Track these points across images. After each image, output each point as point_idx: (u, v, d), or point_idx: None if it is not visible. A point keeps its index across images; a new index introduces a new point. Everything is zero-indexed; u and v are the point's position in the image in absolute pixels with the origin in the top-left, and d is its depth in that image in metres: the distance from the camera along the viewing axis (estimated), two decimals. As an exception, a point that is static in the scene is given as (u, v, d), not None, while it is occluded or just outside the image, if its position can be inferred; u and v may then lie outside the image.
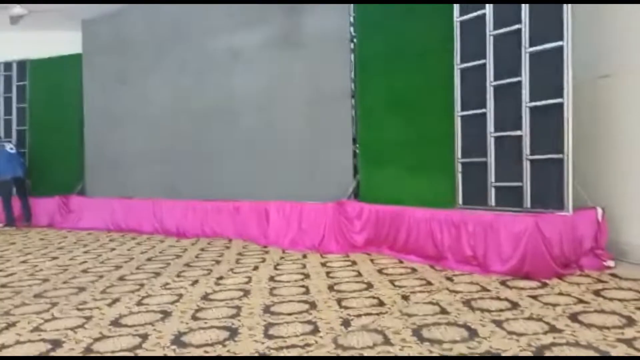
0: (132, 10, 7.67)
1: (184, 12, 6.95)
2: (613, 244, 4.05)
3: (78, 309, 3.19)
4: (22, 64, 8.63)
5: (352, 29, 5.33)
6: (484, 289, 3.34)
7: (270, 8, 6.00)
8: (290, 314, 2.92)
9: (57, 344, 2.56)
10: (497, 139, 4.02)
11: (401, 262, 4.35)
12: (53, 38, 8.75)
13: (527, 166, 3.82)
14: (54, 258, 5.13)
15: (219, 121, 6.51)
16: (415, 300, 3.12)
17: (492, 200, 4.07)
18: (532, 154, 3.79)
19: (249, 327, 2.72)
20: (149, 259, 4.93)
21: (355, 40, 5.32)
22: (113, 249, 5.61)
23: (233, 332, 2.63)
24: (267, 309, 3.04)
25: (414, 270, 4.03)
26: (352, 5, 5.33)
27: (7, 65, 8.71)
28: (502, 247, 3.74)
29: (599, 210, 3.92)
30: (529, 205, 3.81)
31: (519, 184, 3.87)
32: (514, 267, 3.65)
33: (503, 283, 3.49)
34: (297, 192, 5.54)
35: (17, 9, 7.00)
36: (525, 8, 3.80)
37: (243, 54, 6.32)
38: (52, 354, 2.44)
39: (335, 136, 5.45)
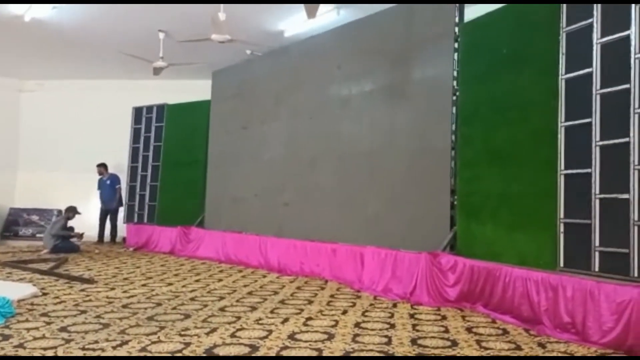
0: (255, 61, 8.49)
1: (299, 64, 7.53)
2: None
3: (180, 335, 3.57)
4: (160, 108, 9.86)
5: (455, 82, 5.41)
6: (577, 362, 3.16)
7: (378, 60, 6.30)
8: (366, 364, 3.01)
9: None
10: (602, 200, 3.81)
11: (494, 321, 4.21)
12: (187, 86, 9.97)
13: (634, 232, 3.56)
14: (169, 284, 5.72)
15: (325, 166, 6.87)
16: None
17: (596, 266, 3.82)
18: (640, 219, 3.54)
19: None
20: (249, 293, 5.29)
21: (457, 92, 5.38)
22: (220, 280, 6.10)
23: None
24: (345, 355, 3.16)
25: (505, 332, 3.89)
26: (456, 58, 5.42)
27: (149, 109, 10.00)
28: (603, 316, 3.49)
29: None
30: (636, 274, 3.53)
31: (626, 250, 3.61)
32: (616, 339, 3.38)
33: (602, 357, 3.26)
34: (393, 239, 5.62)
35: (159, 62, 8.08)
36: (635, 64, 3.63)
37: (351, 103, 6.66)
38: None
39: (434, 186, 5.48)
